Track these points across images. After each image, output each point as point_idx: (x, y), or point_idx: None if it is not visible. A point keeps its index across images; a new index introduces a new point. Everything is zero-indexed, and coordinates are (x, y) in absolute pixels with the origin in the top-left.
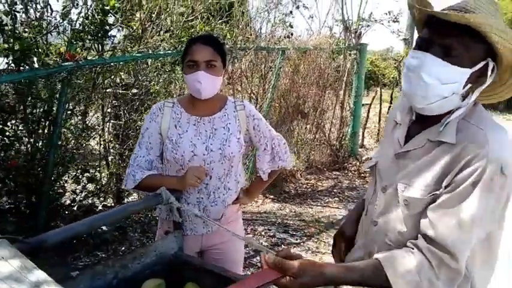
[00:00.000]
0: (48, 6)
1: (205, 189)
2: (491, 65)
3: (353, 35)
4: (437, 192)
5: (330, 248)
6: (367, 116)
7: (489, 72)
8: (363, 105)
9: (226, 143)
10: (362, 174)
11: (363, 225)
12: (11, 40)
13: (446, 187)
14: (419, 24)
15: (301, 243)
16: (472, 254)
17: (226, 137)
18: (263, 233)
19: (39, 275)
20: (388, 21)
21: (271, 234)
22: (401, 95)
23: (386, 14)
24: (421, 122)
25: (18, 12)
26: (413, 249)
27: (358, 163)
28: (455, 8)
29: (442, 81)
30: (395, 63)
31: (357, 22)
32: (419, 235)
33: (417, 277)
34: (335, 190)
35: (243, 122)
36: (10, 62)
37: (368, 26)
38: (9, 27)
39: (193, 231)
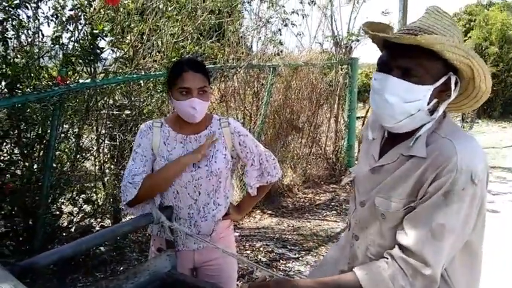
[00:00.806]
0: (40, 32)
1: (195, 205)
2: (453, 78)
3: (343, 50)
4: (412, 204)
5: None
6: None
7: (452, 86)
8: (357, 118)
9: (212, 159)
10: None
11: (346, 241)
12: (3, 66)
13: (420, 199)
14: (379, 45)
15: (300, 258)
16: (452, 262)
17: (212, 154)
18: (261, 249)
19: None
20: None
21: (270, 249)
22: (372, 112)
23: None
24: (393, 138)
25: (10, 38)
26: (387, 259)
27: None
28: (410, 29)
29: (405, 100)
30: None
31: (347, 37)
32: (396, 245)
33: (391, 286)
34: (333, 203)
35: (228, 139)
36: (3, 87)
37: (358, 40)
38: (1, 53)
39: (185, 246)
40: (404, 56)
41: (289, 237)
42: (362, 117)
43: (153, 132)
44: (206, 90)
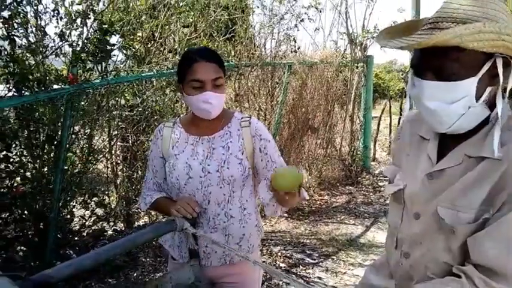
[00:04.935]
0: (42, 29)
1: (204, 214)
2: (499, 61)
3: (358, 48)
4: (487, 215)
5: (350, 267)
6: (378, 128)
7: (499, 69)
8: (372, 117)
9: (224, 165)
10: (377, 189)
11: (390, 261)
12: (10, 64)
13: (498, 208)
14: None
15: (320, 263)
16: None
17: (225, 158)
18: (279, 254)
19: None
20: None
21: (288, 255)
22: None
23: (391, 25)
24: (453, 136)
25: (18, 36)
26: (460, 277)
27: (371, 177)
28: (432, 22)
29: (448, 102)
30: (402, 75)
31: (362, 34)
32: (468, 263)
33: None
34: (350, 206)
35: (247, 142)
36: (11, 86)
37: (373, 38)
38: (8, 51)
39: (207, 261)
40: (434, 55)
41: (307, 241)
42: (376, 117)
43: (162, 136)
44: (221, 81)
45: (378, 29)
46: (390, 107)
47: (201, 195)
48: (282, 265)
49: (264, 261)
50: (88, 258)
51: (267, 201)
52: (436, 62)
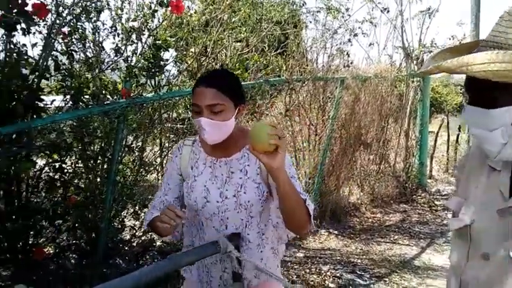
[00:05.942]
0: (100, 44)
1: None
2: None
3: (415, 62)
4: None
5: None
6: (434, 144)
7: None
8: (429, 132)
9: (241, 189)
10: (433, 208)
11: None
12: (68, 78)
13: None
14: None
15: (371, 285)
16: None
17: (242, 182)
18: (328, 274)
19: None
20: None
21: (338, 274)
22: None
23: (449, 39)
24: None
25: (76, 51)
26: None
27: (427, 195)
28: (482, 45)
29: (488, 129)
30: (460, 89)
31: (419, 49)
32: None
33: None
34: (404, 225)
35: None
36: (67, 100)
37: (430, 52)
38: (66, 66)
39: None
40: (474, 80)
41: (358, 261)
42: (432, 131)
43: (181, 153)
44: (221, 109)
45: (435, 44)
46: (448, 122)
47: (218, 220)
48: (332, 285)
49: (312, 281)
50: (126, 281)
51: (275, 223)
52: (475, 87)
